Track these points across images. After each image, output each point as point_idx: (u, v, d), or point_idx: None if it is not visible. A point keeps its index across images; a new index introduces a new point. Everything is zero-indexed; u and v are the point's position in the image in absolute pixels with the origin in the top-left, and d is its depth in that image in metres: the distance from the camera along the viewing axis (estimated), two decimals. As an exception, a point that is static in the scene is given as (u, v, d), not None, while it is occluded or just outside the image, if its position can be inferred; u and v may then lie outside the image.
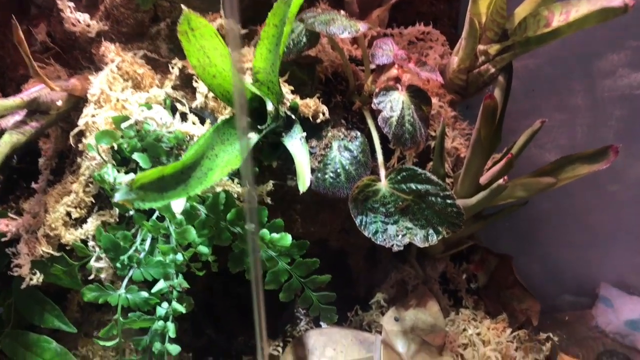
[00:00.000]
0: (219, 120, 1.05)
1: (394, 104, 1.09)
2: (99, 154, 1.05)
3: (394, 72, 1.11)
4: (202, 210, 1.03)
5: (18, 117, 1.04)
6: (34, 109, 1.05)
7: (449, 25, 1.59)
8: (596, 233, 1.64)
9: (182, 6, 0.87)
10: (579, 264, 1.67)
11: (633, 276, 1.68)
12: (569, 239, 1.67)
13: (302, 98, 1.21)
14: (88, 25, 1.14)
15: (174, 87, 1.17)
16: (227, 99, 1.02)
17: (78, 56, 1.23)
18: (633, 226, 1.61)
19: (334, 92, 1.29)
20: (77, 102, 1.15)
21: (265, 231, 1.02)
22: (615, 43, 1.42)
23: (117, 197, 0.78)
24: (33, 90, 1.07)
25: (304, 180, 0.99)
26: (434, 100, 1.31)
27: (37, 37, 1.27)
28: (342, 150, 1.17)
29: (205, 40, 0.89)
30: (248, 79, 1.12)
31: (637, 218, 1.59)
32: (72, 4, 1.14)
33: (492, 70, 1.25)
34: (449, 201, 1.06)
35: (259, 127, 1.03)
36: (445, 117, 1.34)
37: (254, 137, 1.01)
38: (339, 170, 1.16)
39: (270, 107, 1.01)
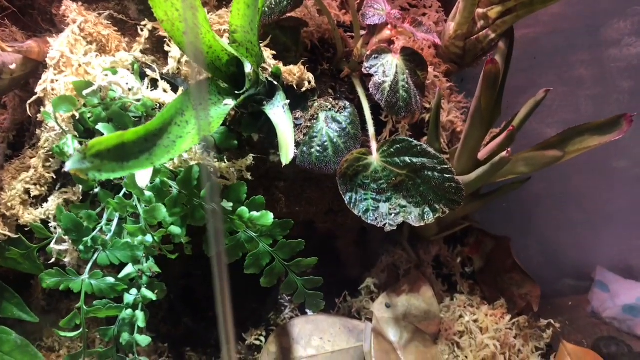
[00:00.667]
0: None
1: (387, 68, 0.98)
2: (58, 124, 0.94)
3: (386, 33, 1.01)
4: (174, 186, 0.93)
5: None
6: (-17, 72, 0.93)
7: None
8: (595, 213, 1.56)
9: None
10: (578, 247, 1.58)
11: (631, 259, 1.60)
12: (567, 220, 1.58)
13: (285, 65, 1.10)
14: (46, -18, 1.02)
15: (144, 51, 1.06)
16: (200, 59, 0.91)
17: (37, 18, 1.12)
18: (633, 206, 1.53)
19: (321, 60, 1.18)
20: (36, 67, 1.04)
21: (244, 209, 0.92)
22: (620, 10, 1.32)
23: (69, 166, 0.67)
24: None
25: (287, 152, 0.89)
26: (429, 68, 1.21)
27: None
28: (329, 122, 1.07)
29: (173, -10, 0.78)
30: (225, 40, 1.01)
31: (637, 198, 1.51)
32: (27, -43, 1.02)
33: (492, 35, 1.15)
34: (447, 175, 0.97)
35: (236, 92, 0.93)
36: (441, 87, 1.24)
37: (230, 102, 0.91)
38: (326, 144, 1.06)
39: (248, 68, 0.91)
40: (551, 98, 1.39)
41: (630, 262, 1.61)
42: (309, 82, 1.10)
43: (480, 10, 1.15)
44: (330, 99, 1.11)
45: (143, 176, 0.86)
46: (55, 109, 0.92)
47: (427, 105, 1.21)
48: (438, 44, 1.02)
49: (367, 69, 0.99)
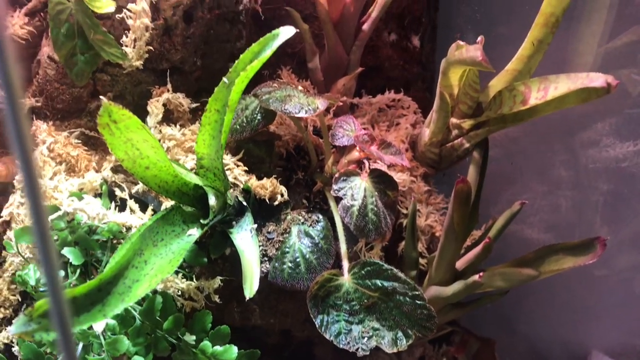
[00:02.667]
0: (157, 213, 0.93)
1: (355, 192, 0.97)
2: (20, 253, 0.92)
3: (355, 154, 1.00)
4: (137, 317, 0.90)
5: None
6: (-54, 202, 0.93)
7: (423, 88, 1.50)
8: (587, 295, 1.52)
9: (102, 98, 0.75)
10: (571, 331, 1.53)
11: (629, 342, 1.55)
12: (557, 305, 1.54)
13: (259, 177, 1.09)
14: (16, 104, 1.02)
15: (114, 169, 1.06)
16: (165, 190, 0.90)
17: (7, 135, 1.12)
18: (628, 286, 1.49)
19: (296, 169, 1.18)
20: (5, 188, 1.03)
21: (207, 344, 0.89)
22: (598, 110, 1.32)
23: (13, 330, 0.65)
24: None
25: (251, 284, 0.87)
26: (405, 175, 1.20)
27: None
28: (302, 237, 1.06)
29: (131, 132, 0.78)
30: (191, 164, 1.01)
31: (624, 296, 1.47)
32: (-2, 81, 1.02)
33: (467, 145, 1.15)
34: (418, 302, 0.94)
35: (201, 221, 0.91)
36: (418, 192, 1.23)
37: (194, 233, 0.89)
38: (298, 260, 1.04)
39: (212, 201, 0.89)
40: (531, 197, 1.38)
41: (627, 345, 1.56)
42: (282, 195, 1.09)
43: (454, 120, 1.15)
44: (303, 212, 1.09)
45: (98, 325, 0.84)
46: (17, 239, 0.91)
47: (405, 211, 1.20)
48: (406, 166, 1.01)
49: (336, 192, 0.98)
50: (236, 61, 0.85)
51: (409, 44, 1.44)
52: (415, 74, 1.46)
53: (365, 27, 1.22)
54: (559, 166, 1.33)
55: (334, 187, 0.98)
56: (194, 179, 0.89)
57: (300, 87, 1.05)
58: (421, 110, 1.36)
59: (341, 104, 1.23)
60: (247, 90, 1.04)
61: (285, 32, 0.81)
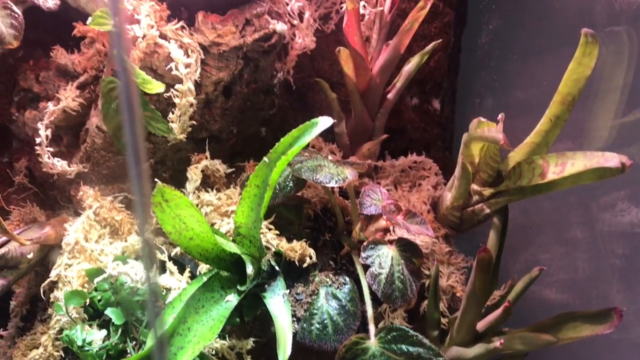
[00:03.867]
0: (197, 278, 0.99)
1: (382, 260, 1.03)
2: (68, 314, 0.99)
3: (382, 223, 1.06)
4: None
5: (-17, 275, 0.98)
6: (2, 265, 0.99)
7: (442, 148, 1.56)
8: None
9: (157, 181, 0.83)
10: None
11: None
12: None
13: (288, 238, 1.15)
14: (66, 172, 1.10)
15: (156, 232, 1.12)
16: (205, 257, 0.96)
17: (57, 196, 1.19)
18: None
19: (323, 230, 1.24)
20: (52, 248, 1.10)
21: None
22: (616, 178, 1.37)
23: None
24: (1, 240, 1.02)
25: (284, 349, 0.92)
26: (427, 237, 1.25)
27: (17, 171, 1.23)
28: (329, 299, 1.11)
29: (180, 209, 0.85)
30: (226, 227, 1.08)
31: None
32: (50, 149, 1.11)
33: (487, 210, 1.20)
34: (442, 367, 0.99)
35: (238, 287, 0.97)
36: (439, 253, 1.28)
37: (232, 299, 0.95)
38: (326, 321, 1.09)
39: (250, 270, 0.96)
40: (549, 258, 1.42)
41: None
42: (310, 258, 1.14)
43: (475, 187, 1.20)
44: (331, 274, 1.15)
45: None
46: (67, 302, 0.97)
47: (427, 272, 1.25)
48: (431, 236, 1.06)
49: (364, 259, 1.03)
50: (277, 143, 0.92)
51: (430, 107, 1.51)
52: (435, 134, 1.53)
53: (390, 96, 1.29)
54: (575, 228, 1.38)
55: (362, 254, 1.04)
56: (233, 248, 0.96)
57: (330, 157, 1.11)
58: (441, 168, 1.42)
59: (366, 167, 1.30)
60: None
61: (324, 122, 0.88)
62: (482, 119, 1.09)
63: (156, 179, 0.84)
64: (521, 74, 1.44)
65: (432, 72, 1.44)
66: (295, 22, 1.23)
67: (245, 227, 0.98)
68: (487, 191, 1.18)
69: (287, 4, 1.22)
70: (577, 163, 1.02)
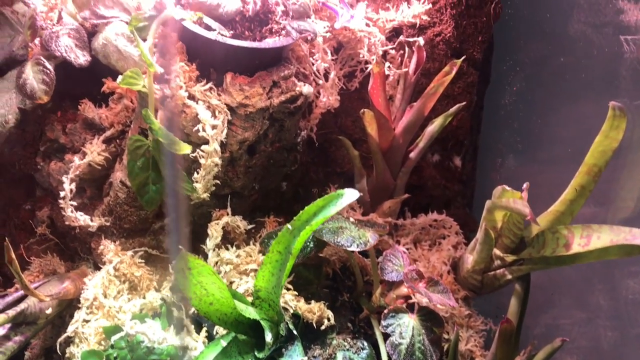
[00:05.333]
0: (215, 342, 0.98)
1: (403, 330, 1.01)
2: (84, 374, 0.98)
3: (404, 290, 1.05)
4: None
5: (1, 331, 0.98)
6: (20, 321, 0.99)
7: (462, 204, 1.55)
8: None
9: (180, 247, 0.82)
10: None
11: None
12: None
13: (306, 298, 1.14)
14: (89, 226, 1.11)
15: (174, 288, 1.12)
16: (224, 321, 0.95)
17: (77, 248, 1.20)
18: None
19: (342, 290, 1.22)
20: (70, 303, 1.10)
21: None
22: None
23: None
24: (16, 295, 1.02)
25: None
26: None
27: (39, 221, 1.24)
28: (347, 363, 1.09)
29: (202, 277, 0.84)
30: (245, 287, 1.07)
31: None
32: (74, 203, 1.11)
33: (509, 276, 1.18)
34: None
35: (256, 353, 0.96)
36: (459, 316, 1.26)
37: (251, 366, 0.94)
38: (342, 387, 1.07)
39: (269, 338, 0.94)
40: (570, 323, 1.39)
41: None
42: (328, 320, 1.13)
43: (497, 252, 1.19)
44: (349, 338, 1.13)
45: None
46: (84, 361, 0.96)
47: (446, 336, 1.22)
48: (453, 306, 1.05)
49: (384, 328, 1.02)
50: (301, 211, 0.91)
51: (451, 163, 1.50)
52: (455, 191, 1.52)
53: (412, 155, 1.29)
54: (598, 294, 1.35)
55: (383, 323, 1.03)
56: (252, 314, 0.95)
57: (351, 219, 1.11)
58: (461, 226, 1.41)
59: (386, 225, 1.29)
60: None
61: (350, 195, 0.88)
62: (507, 188, 1.08)
63: (182, 248, 0.84)
64: (544, 135, 1.44)
65: (455, 131, 1.44)
66: (320, 81, 1.24)
67: (264, 291, 0.97)
68: (510, 257, 1.16)
69: (313, 64, 1.23)
70: (603, 237, 1.01)
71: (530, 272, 1.14)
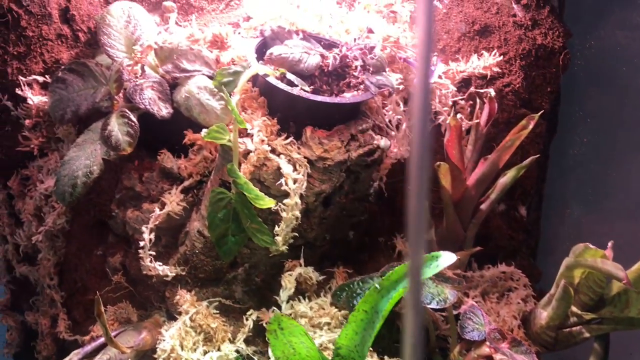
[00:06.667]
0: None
1: (486, 393, 0.99)
2: None
3: (485, 350, 1.03)
4: None
5: (84, 383, 0.98)
6: (102, 373, 1.00)
7: (527, 254, 1.53)
8: None
9: (275, 309, 0.82)
10: None
11: None
12: None
13: (379, 353, 1.12)
14: (166, 276, 1.11)
15: (247, 340, 1.11)
16: (306, 380, 0.94)
17: (150, 296, 1.20)
18: None
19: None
20: (145, 352, 1.10)
21: None
22: None
23: None
24: (94, 345, 1.03)
25: None
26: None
27: (112, 267, 1.25)
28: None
29: (293, 336, 0.84)
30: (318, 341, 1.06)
31: None
32: (152, 252, 1.12)
33: (586, 334, 1.15)
34: None
35: (338, 413, 0.94)
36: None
37: None
38: None
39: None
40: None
41: None
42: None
43: (574, 309, 1.16)
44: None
45: None
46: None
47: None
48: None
49: (467, 390, 0.99)
50: (392, 270, 0.90)
51: (517, 213, 1.48)
52: (520, 241, 1.50)
53: (483, 207, 1.28)
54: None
55: (464, 385, 1.00)
56: (335, 371, 0.93)
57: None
58: (526, 276, 1.38)
59: (454, 275, 1.27)
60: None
61: (447, 258, 0.88)
62: (590, 246, 1.06)
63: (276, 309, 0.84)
64: (613, 186, 1.42)
65: (522, 180, 1.42)
66: (393, 132, 1.24)
67: (346, 349, 0.96)
68: (588, 316, 1.13)
69: (385, 115, 1.24)
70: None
71: (612, 331, 1.11)
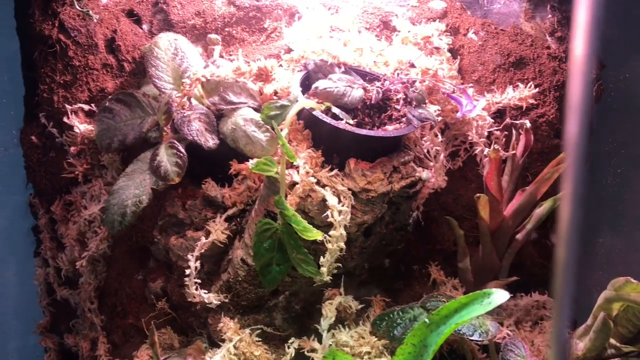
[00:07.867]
0: None
1: None
2: None
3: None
4: None
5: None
6: (151, 400, 1.01)
7: (558, 282, 1.53)
8: None
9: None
10: None
11: None
12: None
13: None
14: (210, 303, 1.13)
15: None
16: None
17: (192, 322, 1.22)
18: None
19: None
20: (191, 379, 1.12)
21: None
22: None
23: None
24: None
25: None
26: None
27: (153, 292, 1.27)
28: None
29: (345, 369, 0.85)
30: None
31: None
32: (198, 280, 1.14)
33: (625, 365, 1.16)
34: None
35: None
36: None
37: None
38: None
39: None
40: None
41: None
42: (442, 406, 1.12)
43: (612, 341, 1.17)
44: None
45: None
46: None
47: None
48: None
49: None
50: (442, 305, 0.92)
51: (548, 241, 1.49)
52: (551, 269, 1.50)
53: (519, 236, 1.30)
54: None
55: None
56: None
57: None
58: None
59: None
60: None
61: (500, 296, 0.89)
62: (632, 280, 1.07)
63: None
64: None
65: (554, 209, 1.43)
66: (431, 163, 1.26)
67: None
68: (627, 348, 1.14)
69: (423, 145, 1.26)
70: None
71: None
